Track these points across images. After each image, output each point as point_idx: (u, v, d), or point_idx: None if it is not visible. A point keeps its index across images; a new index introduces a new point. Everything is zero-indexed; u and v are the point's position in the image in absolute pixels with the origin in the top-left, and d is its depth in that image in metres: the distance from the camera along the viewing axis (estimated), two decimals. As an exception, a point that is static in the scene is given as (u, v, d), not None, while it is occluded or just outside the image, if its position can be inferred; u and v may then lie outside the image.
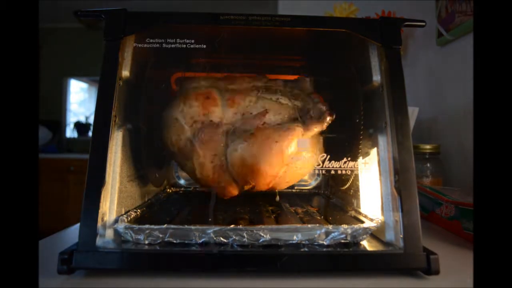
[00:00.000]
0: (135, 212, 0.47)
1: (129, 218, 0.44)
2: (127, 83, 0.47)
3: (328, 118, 0.51)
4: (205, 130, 0.52)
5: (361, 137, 0.52)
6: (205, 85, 0.55)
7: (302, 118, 0.52)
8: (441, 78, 0.92)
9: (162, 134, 0.55)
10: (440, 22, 0.89)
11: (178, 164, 0.59)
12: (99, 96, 0.42)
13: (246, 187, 0.53)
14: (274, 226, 0.40)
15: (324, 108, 0.52)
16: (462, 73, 0.82)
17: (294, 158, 0.51)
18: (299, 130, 0.50)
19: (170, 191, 0.70)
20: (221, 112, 0.52)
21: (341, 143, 0.56)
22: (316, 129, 0.51)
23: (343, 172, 0.47)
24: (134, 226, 0.40)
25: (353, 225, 0.41)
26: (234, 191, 0.54)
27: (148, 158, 0.56)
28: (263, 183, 0.52)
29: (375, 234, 0.44)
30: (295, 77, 0.62)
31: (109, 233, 0.40)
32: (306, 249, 0.39)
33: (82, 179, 0.39)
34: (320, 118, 0.51)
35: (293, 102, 0.54)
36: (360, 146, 0.51)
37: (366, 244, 0.41)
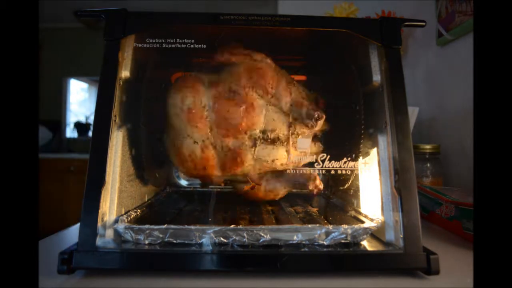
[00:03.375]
0: (135, 212, 0.47)
1: (129, 218, 0.44)
2: (127, 83, 0.46)
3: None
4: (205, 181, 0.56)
5: (361, 137, 0.52)
6: (199, 139, 0.52)
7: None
8: (441, 78, 0.92)
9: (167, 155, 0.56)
10: (440, 22, 0.89)
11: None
12: (99, 96, 0.42)
13: (246, 187, 0.54)
14: (274, 226, 0.41)
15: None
16: (462, 73, 0.82)
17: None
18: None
19: (170, 191, 0.70)
20: (219, 174, 0.54)
21: (341, 143, 0.56)
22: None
23: (343, 172, 0.47)
24: (134, 226, 0.40)
25: (353, 225, 0.41)
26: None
27: (148, 158, 0.56)
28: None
29: (375, 234, 0.44)
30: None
31: (109, 233, 0.40)
32: (306, 249, 0.39)
33: (82, 179, 0.39)
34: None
35: (292, 155, 0.54)
36: (360, 146, 0.51)
37: (366, 244, 0.41)
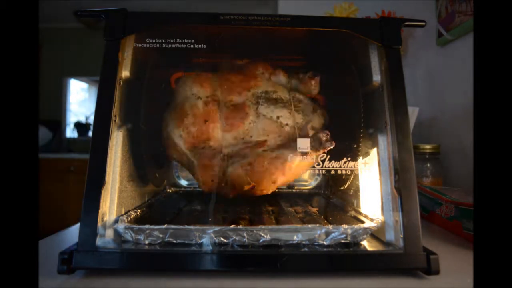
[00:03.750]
0: (135, 212, 0.47)
1: (129, 218, 0.44)
2: (127, 83, 0.46)
3: (326, 148, 0.49)
4: (205, 155, 0.52)
5: (361, 137, 0.52)
6: (203, 95, 0.53)
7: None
8: (441, 78, 0.92)
9: (163, 142, 0.55)
10: (440, 22, 0.89)
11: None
12: (99, 96, 0.42)
13: (246, 187, 0.53)
14: (274, 226, 0.41)
15: (324, 138, 0.50)
16: (462, 73, 0.82)
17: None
18: (296, 159, 0.50)
19: (170, 191, 0.70)
20: (221, 137, 0.52)
21: (341, 143, 0.56)
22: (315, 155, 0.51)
23: (343, 172, 0.47)
24: (134, 226, 0.40)
25: (353, 225, 0.41)
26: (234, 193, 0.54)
27: (148, 158, 0.56)
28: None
29: (375, 234, 0.44)
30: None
31: (109, 233, 0.40)
32: (306, 249, 0.39)
33: (82, 179, 0.39)
34: (318, 148, 0.50)
35: (294, 117, 0.53)
36: (360, 146, 0.51)
37: (366, 244, 0.41)
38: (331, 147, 0.49)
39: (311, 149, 0.49)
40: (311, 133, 0.51)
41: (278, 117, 0.52)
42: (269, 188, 0.52)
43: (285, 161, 0.50)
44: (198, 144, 0.52)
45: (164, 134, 0.54)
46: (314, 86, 0.55)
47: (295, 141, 0.49)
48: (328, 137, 0.49)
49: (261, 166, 0.50)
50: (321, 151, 0.49)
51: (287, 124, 0.52)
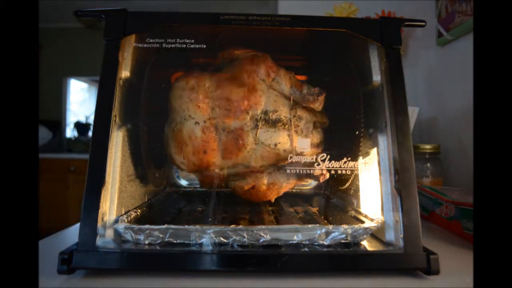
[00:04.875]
0: (135, 212, 0.47)
1: (129, 218, 0.44)
2: (127, 83, 0.46)
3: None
4: (206, 175, 0.55)
5: (361, 137, 0.52)
6: (200, 119, 0.51)
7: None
8: (441, 78, 0.92)
9: (164, 145, 0.56)
10: (440, 22, 0.89)
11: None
12: (99, 96, 0.42)
13: (247, 187, 0.54)
14: (275, 226, 0.41)
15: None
16: (462, 73, 0.82)
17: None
18: (292, 182, 0.55)
19: (170, 191, 0.70)
20: (220, 162, 0.53)
21: (341, 143, 0.56)
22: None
23: (343, 172, 0.47)
24: (134, 226, 0.40)
25: (353, 225, 0.41)
26: None
27: (148, 158, 0.56)
28: None
29: (375, 234, 0.44)
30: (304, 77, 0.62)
31: (109, 233, 0.40)
32: (306, 249, 0.39)
33: (82, 179, 0.39)
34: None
35: (293, 142, 0.53)
36: (360, 146, 0.51)
37: (366, 244, 0.41)
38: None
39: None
40: (310, 151, 0.52)
41: (275, 145, 0.52)
42: (265, 199, 0.56)
43: (281, 185, 0.54)
44: (198, 168, 0.54)
45: (166, 150, 0.55)
46: (318, 104, 0.52)
47: (293, 162, 0.51)
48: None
49: (259, 190, 0.54)
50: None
51: (284, 151, 0.52)
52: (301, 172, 0.52)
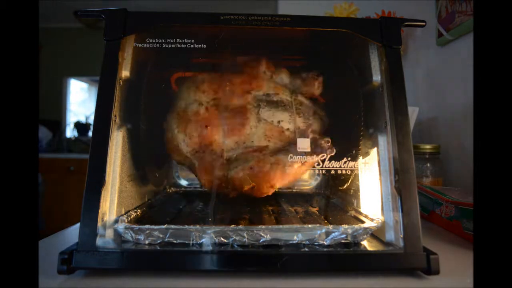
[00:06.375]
0: (135, 212, 0.47)
1: (129, 218, 0.44)
2: (127, 83, 0.46)
3: (327, 155, 0.49)
4: (206, 159, 0.53)
5: (361, 137, 0.52)
6: (204, 100, 0.53)
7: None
8: (441, 78, 0.92)
9: (166, 143, 0.55)
10: (440, 22, 0.89)
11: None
12: (99, 96, 0.42)
13: (247, 187, 0.53)
14: (275, 226, 0.40)
15: (325, 144, 0.50)
16: (462, 73, 0.82)
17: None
18: (295, 163, 0.51)
19: (170, 191, 0.70)
20: (222, 142, 0.53)
21: (341, 143, 0.56)
22: None
23: (343, 172, 0.47)
24: (134, 226, 0.40)
25: (353, 225, 0.41)
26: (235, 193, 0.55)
27: (148, 158, 0.56)
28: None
29: (375, 234, 0.44)
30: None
31: (109, 233, 0.40)
32: (306, 249, 0.39)
33: (82, 179, 0.39)
34: (318, 154, 0.49)
35: (295, 122, 0.53)
36: (360, 146, 0.51)
37: (366, 244, 0.41)
38: (332, 154, 0.49)
39: (312, 153, 0.49)
40: (311, 136, 0.52)
41: (279, 122, 0.52)
42: (267, 191, 0.53)
43: (284, 165, 0.51)
44: (200, 148, 0.53)
45: (167, 136, 0.55)
46: (317, 86, 0.55)
47: (295, 144, 0.50)
48: (329, 144, 0.49)
49: (262, 170, 0.51)
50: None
51: (288, 129, 0.52)
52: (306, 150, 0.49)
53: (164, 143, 0.56)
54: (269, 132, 0.52)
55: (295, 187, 0.72)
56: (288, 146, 0.52)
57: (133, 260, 0.38)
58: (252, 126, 0.52)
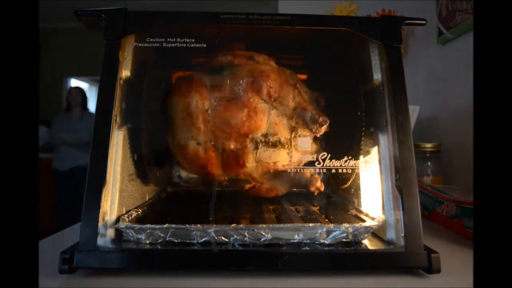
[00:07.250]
0: (136, 211, 0.47)
1: (130, 218, 0.44)
2: (128, 82, 0.46)
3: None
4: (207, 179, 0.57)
5: (362, 136, 0.52)
6: (202, 140, 0.52)
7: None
8: (441, 77, 0.92)
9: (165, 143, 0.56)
10: (440, 21, 0.88)
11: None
12: (99, 96, 0.42)
13: (247, 186, 0.54)
14: (276, 225, 0.40)
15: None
16: (462, 72, 0.81)
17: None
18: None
19: (171, 190, 0.69)
20: (222, 174, 0.55)
21: (342, 142, 0.56)
22: None
23: (344, 171, 0.47)
24: (135, 225, 0.40)
25: (354, 224, 0.41)
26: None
27: (149, 158, 0.56)
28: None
29: (376, 233, 0.43)
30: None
31: (110, 233, 0.40)
32: (307, 248, 0.39)
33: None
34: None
35: (292, 158, 0.54)
36: (361, 145, 0.51)
37: (367, 243, 0.41)
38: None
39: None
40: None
41: (275, 163, 0.53)
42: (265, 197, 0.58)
43: (279, 191, 0.58)
44: (201, 176, 0.57)
45: (170, 149, 0.56)
46: (322, 131, 0.52)
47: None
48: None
49: (260, 190, 0.57)
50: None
51: (283, 166, 0.53)
52: (297, 183, 0.56)
53: (164, 143, 0.56)
54: (266, 170, 0.54)
55: (296, 186, 0.72)
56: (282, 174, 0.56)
57: (134, 259, 0.38)
58: (250, 166, 0.53)
